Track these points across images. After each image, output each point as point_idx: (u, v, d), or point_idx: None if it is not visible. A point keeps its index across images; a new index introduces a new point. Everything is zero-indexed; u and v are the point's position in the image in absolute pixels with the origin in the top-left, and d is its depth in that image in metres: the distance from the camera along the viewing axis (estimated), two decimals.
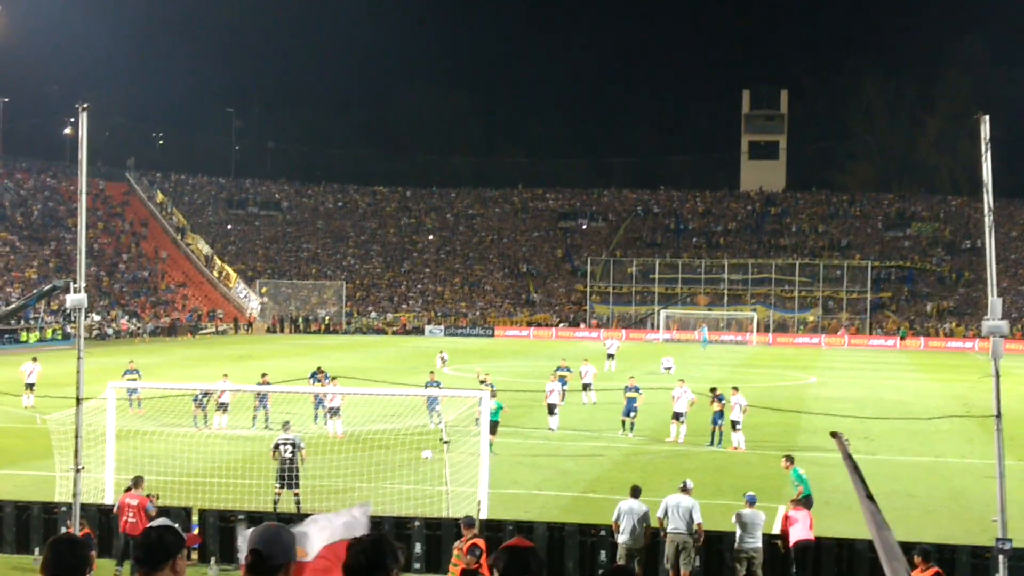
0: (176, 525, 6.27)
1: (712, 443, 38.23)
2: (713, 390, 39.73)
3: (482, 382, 41.11)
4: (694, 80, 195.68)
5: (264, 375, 42.95)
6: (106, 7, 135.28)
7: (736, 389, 39.03)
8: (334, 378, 43.02)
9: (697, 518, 21.26)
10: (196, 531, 22.94)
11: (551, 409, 41.66)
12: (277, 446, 26.93)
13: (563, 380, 48.41)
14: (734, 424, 37.66)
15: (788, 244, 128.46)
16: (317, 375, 44.25)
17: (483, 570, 18.59)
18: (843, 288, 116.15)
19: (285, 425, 28.13)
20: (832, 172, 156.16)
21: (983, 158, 18.80)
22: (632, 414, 40.31)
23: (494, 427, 35.70)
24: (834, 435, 8.38)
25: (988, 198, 18.61)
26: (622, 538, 21.09)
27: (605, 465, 34.62)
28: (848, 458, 7.79)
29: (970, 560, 21.13)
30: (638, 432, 40.81)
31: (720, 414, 38.36)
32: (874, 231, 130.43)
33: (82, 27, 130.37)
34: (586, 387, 48.81)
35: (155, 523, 6.23)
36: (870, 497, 7.50)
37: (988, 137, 18.82)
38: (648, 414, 44.78)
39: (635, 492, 21.71)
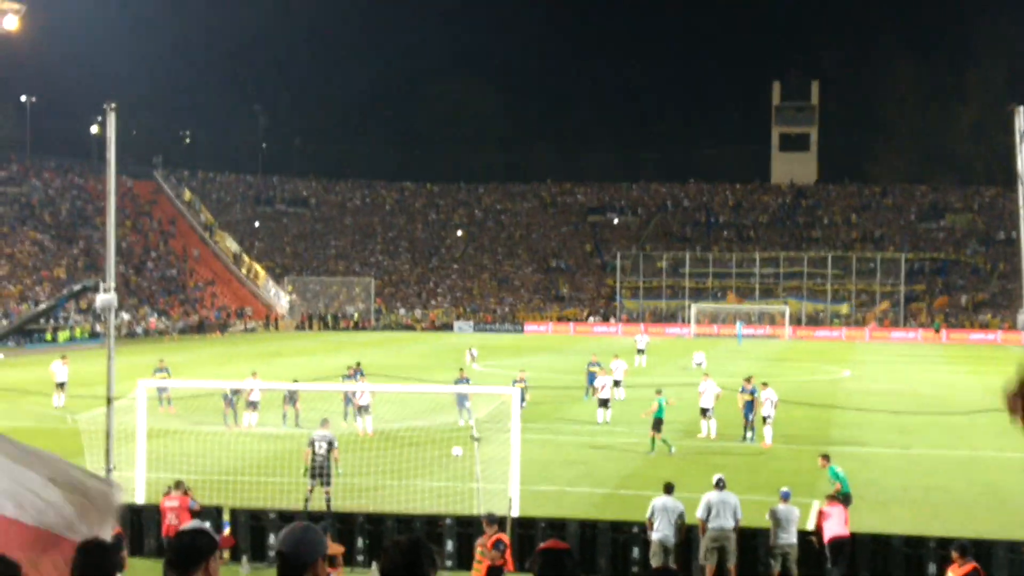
0: (208, 525, 6.17)
1: (745, 438, 37.94)
2: (748, 379, 39.47)
3: (515, 381, 41.00)
4: (723, 71, 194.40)
5: (349, 367, 43.92)
6: (132, 5, 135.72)
7: (766, 384, 38.71)
8: (363, 375, 42.98)
9: (739, 515, 21.12)
10: (228, 530, 22.88)
11: (604, 403, 41.71)
12: (313, 442, 26.81)
13: (592, 375, 48.37)
14: (765, 419, 37.39)
15: (820, 236, 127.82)
16: (358, 371, 44.07)
17: (508, 566, 18.45)
18: (876, 281, 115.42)
19: (323, 422, 27.97)
20: (864, 163, 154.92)
21: (1017, 149, 18.51)
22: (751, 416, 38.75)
23: (659, 424, 35.50)
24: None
25: (1023, 189, 18.34)
26: (656, 535, 20.90)
27: (637, 461, 34.41)
28: None
29: (1007, 555, 20.87)
30: (670, 429, 40.61)
31: (750, 404, 38.08)
32: (907, 223, 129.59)
33: (108, 25, 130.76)
34: (616, 383, 48.13)
35: (187, 526, 6.14)
36: None
37: (1022, 128, 18.53)
38: (679, 410, 44.60)
39: (668, 489, 21.51)
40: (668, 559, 20.64)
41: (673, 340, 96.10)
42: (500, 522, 19.54)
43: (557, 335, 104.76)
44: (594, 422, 41.49)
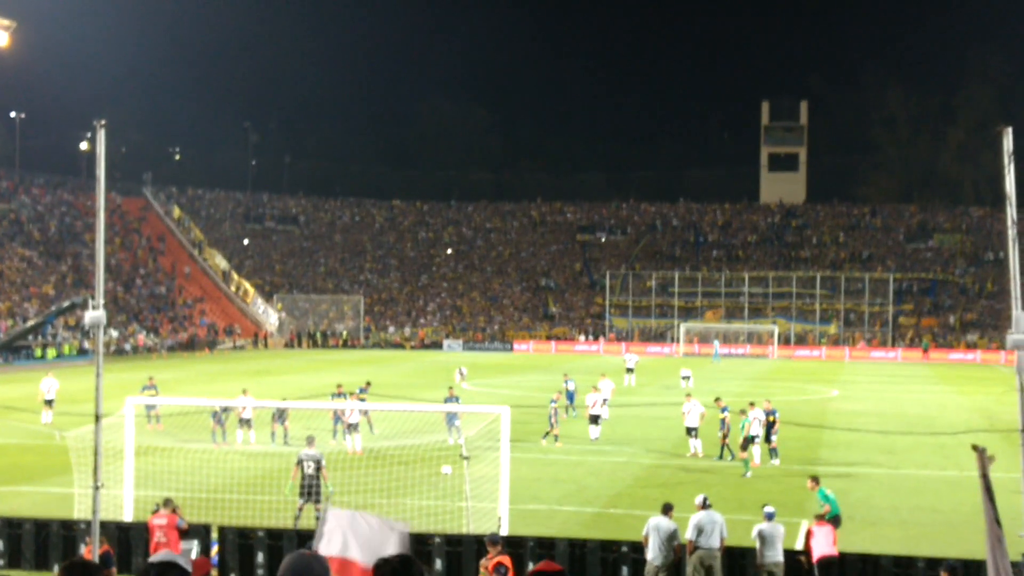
0: (194, 548, 6.00)
1: (721, 457, 37.95)
2: (717, 400, 39.69)
3: (553, 401, 41.63)
4: (713, 92, 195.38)
5: (339, 385, 43.70)
6: (122, 22, 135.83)
7: (753, 404, 38.65)
8: (351, 393, 42.88)
9: (725, 534, 21.11)
10: (215, 549, 22.77)
11: (594, 420, 41.89)
12: (300, 462, 26.76)
13: (571, 394, 48.96)
14: (752, 439, 37.30)
15: (809, 256, 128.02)
16: (365, 389, 44.17)
17: None
18: (865, 301, 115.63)
19: (309, 440, 27.94)
20: (853, 184, 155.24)
21: (1006, 171, 18.53)
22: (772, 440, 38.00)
23: (747, 443, 35.37)
24: (976, 448, 8.22)
25: (1011, 211, 18.37)
26: (649, 555, 20.85)
27: (626, 481, 34.40)
28: (984, 476, 7.63)
29: None
30: (658, 448, 40.66)
31: (724, 424, 38.13)
32: (896, 243, 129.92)
33: (99, 42, 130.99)
34: (603, 402, 48.10)
35: (157, 557, 5.95)
36: (998, 522, 7.34)
37: (1011, 149, 18.56)
38: (667, 428, 44.62)
39: (666, 509, 21.36)
40: None
41: (660, 359, 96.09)
42: (502, 543, 19.48)
43: (539, 354, 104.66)
44: (583, 441, 41.48)
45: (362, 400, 42.11)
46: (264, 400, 45.18)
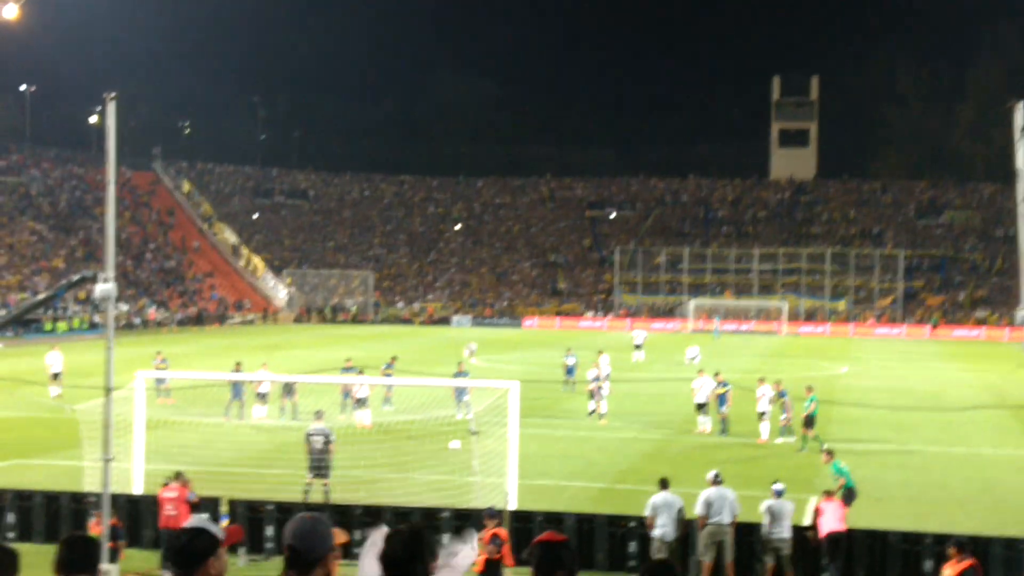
0: (206, 517, 6.00)
1: (724, 432, 38.07)
2: (716, 375, 39.69)
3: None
4: (723, 67, 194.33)
5: (348, 359, 44.03)
6: None
7: (762, 380, 38.71)
8: (361, 370, 42.91)
9: (736, 510, 21.14)
10: (226, 522, 22.83)
11: (592, 394, 42.27)
12: (309, 436, 26.81)
13: (571, 369, 49.11)
14: (761, 415, 37.38)
15: (819, 233, 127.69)
16: (391, 364, 44.30)
17: (505, 560, 18.48)
18: (875, 277, 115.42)
19: (317, 415, 27.98)
20: (864, 160, 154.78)
21: (1017, 147, 18.50)
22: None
23: (810, 422, 35.37)
24: None
25: (1021, 187, 18.34)
26: (658, 532, 20.84)
27: (634, 456, 34.44)
28: None
29: (1004, 552, 20.89)
30: (667, 424, 40.69)
31: (723, 399, 38.27)
32: (906, 219, 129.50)
33: (108, 15, 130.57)
34: (605, 376, 48.27)
35: (188, 524, 5.97)
36: None
37: (1022, 125, 18.52)
38: (674, 405, 44.65)
39: (664, 484, 21.48)
40: (667, 554, 20.64)
41: (668, 335, 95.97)
42: (500, 516, 19.59)
43: (543, 329, 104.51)
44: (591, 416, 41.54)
45: (388, 375, 42.25)
46: (275, 374, 45.28)
